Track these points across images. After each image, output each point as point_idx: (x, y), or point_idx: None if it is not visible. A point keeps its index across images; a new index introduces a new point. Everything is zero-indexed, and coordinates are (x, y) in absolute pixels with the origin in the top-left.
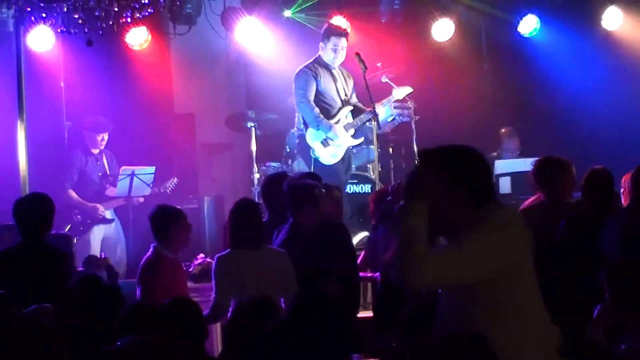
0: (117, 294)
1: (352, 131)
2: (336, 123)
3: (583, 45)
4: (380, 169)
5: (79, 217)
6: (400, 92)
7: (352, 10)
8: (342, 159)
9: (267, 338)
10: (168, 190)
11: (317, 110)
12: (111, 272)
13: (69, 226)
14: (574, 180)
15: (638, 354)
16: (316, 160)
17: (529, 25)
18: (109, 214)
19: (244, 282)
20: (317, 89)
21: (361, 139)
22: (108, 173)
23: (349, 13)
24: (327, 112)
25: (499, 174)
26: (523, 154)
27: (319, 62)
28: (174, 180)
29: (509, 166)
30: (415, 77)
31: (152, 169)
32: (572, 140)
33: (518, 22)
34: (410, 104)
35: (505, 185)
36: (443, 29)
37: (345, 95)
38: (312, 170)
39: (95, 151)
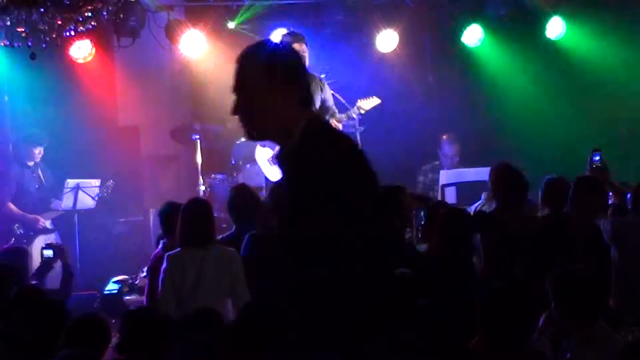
0: (56, 307)
1: None
2: None
3: (527, 55)
4: None
5: (20, 230)
6: (368, 103)
7: (296, 21)
8: None
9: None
10: (106, 194)
11: None
12: (67, 271)
13: (13, 239)
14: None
15: None
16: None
17: (473, 36)
18: (48, 224)
19: (186, 280)
20: None
21: None
22: (45, 184)
23: (293, 24)
24: None
25: (444, 184)
26: (463, 163)
27: None
28: (111, 184)
29: (454, 176)
30: (360, 88)
31: (97, 182)
32: (515, 148)
33: (462, 33)
34: (353, 114)
35: (450, 195)
36: (387, 40)
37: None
38: (264, 185)
39: (31, 163)
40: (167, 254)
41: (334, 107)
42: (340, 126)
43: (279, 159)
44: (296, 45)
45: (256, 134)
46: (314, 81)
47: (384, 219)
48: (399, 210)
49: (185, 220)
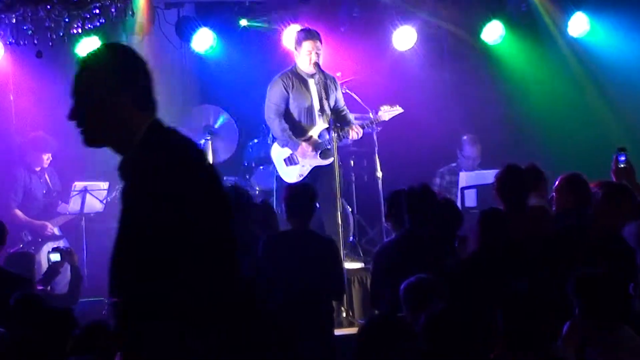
0: (59, 315)
1: (327, 152)
2: (307, 140)
3: (549, 52)
4: (340, 182)
5: (29, 237)
6: (390, 112)
7: (310, 19)
8: (306, 179)
9: None
10: (117, 199)
11: (285, 126)
12: (76, 274)
13: (21, 246)
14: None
15: None
16: (278, 177)
17: (493, 33)
18: (56, 231)
19: None
20: (288, 103)
21: (330, 160)
22: (52, 189)
23: (305, 21)
24: (299, 128)
25: (464, 186)
26: (484, 164)
27: (294, 72)
28: (119, 187)
29: (475, 178)
30: (376, 87)
31: (105, 185)
32: (538, 149)
33: (481, 30)
34: (371, 114)
35: (470, 198)
36: (404, 38)
37: (324, 107)
38: (274, 187)
39: (38, 168)
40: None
41: (346, 108)
42: (360, 133)
43: (118, 168)
44: (310, 43)
45: (93, 140)
46: (328, 80)
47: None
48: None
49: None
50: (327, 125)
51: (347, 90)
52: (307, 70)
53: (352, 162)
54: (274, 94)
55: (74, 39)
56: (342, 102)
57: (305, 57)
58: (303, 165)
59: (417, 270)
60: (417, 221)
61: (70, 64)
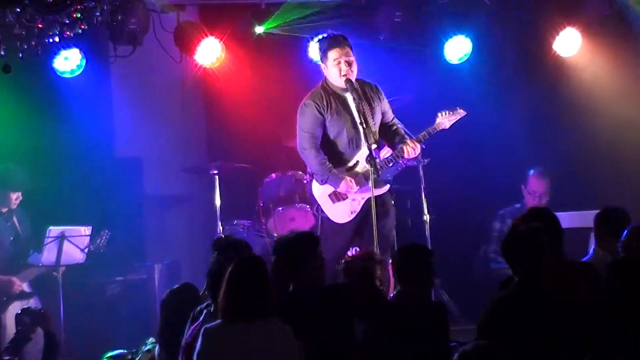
0: None
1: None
2: (351, 169)
3: (634, 65)
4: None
5: None
6: (449, 119)
7: (343, 25)
8: (359, 215)
9: None
10: (101, 249)
11: (322, 157)
12: (51, 341)
13: None
14: None
15: None
16: (325, 219)
17: (568, 42)
18: (25, 287)
19: None
20: (325, 128)
21: (386, 187)
22: (21, 235)
23: (337, 30)
24: (341, 156)
25: None
26: (554, 205)
27: (326, 88)
28: (106, 234)
29: None
30: (424, 107)
31: (87, 230)
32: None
33: (553, 40)
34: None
35: None
36: (459, 47)
37: (369, 125)
38: (319, 231)
39: (5, 210)
40: (204, 326)
41: (397, 121)
42: (418, 148)
43: None
44: (336, 51)
45: None
46: (369, 90)
47: None
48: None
49: (230, 285)
50: (375, 146)
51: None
52: (340, 85)
53: (392, 202)
54: (307, 119)
55: (50, 50)
56: (390, 114)
57: (334, 69)
58: (354, 200)
59: None
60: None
61: (45, 80)
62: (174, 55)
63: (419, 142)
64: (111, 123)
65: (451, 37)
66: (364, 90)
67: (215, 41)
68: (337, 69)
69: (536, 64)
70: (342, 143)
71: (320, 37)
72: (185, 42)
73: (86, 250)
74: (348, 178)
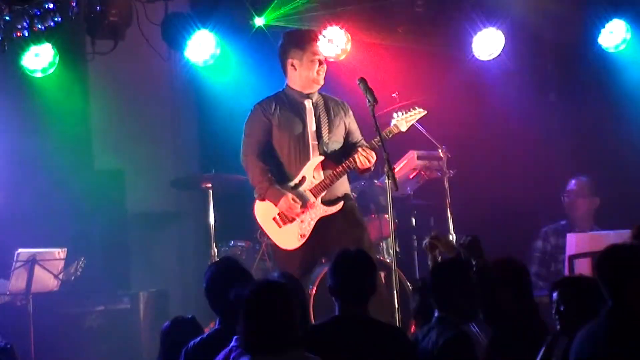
0: None
1: (333, 193)
2: (297, 186)
3: None
4: (398, 249)
5: None
6: (406, 119)
7: (354, 16)
8: (310, 239)
9: None
10: (72, 277)
11: (261, 165)
12: None
13: None
14: None
15: None
16: (270, 245)
17: (615, 35)
18: None
19: None
20: (271, 134)
21: (339, 205)
22: None
23: (349, 20)
24: (287, 168)
25: (573, 254)
26: (603, 222)
27: (280, 94)
28: (81, 262)
29: (589, 242)
30: (449, 112)
31: (61, 252)
32: None
33: (599, 31)
34: (441, 152)
35: (583, 270)
36: (489, 42)
37: (322, 135)
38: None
39: None
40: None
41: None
42: (372, 155)
43: None
44: (317, 46)
45: None
46: (332, 103)
47: None
48: None
49: (250, 315)
50: (321, 159)
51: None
52: (303, 88)
53: (413, 219)
54: (250, 123)
55: (18, 46)
56: (358, 135)
57: (310, 67)
58: (302, 221)
59: None
60: None
61: (13, 80)
62: (162, 52)
63: (373, 148)
64: (89, 129)
65: (480, 30)
66: (326, 102)
67: (209, 35)
68: (315, 67)
69: (579, 59)
70: (287, 155)
71: (289, 30)
72: (174, 36)
73: (60, 276)
74: (290, 195)
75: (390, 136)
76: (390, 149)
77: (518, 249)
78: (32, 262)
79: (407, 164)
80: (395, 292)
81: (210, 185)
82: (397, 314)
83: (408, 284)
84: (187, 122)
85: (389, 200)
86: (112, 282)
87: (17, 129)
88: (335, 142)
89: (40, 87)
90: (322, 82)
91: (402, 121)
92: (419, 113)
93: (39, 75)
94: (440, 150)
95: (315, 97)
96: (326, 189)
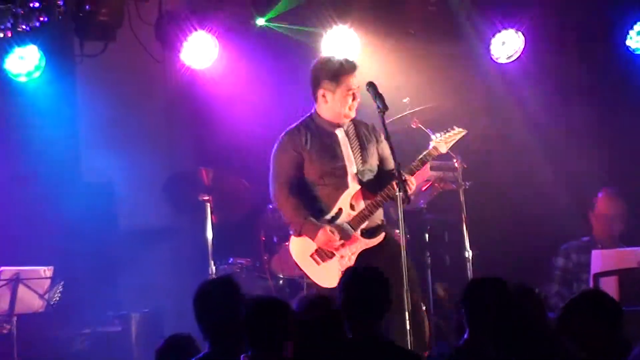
0: None
1: (374, 225)
2: (334, 219)
3: None
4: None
5: None
6: (446, 141)
7: (362, 16)
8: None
9: None
10: (52, 301)
11: (296, 202)
12: None
13: None
14: None
15: None
16: (311, 285)
17: None
18: None
19: None
20: (302, 168)
21: (380, 237)
22: None
23: (356, 21)
24: (320, 204)
25: (599, 272)
26: (629, 238)
27: (309, 124)
28: (59, 286)
29: (616, 259)
30: (464, 119)
31: (47, 270)
32: None
33: (627, 33)
34: (456, 162)
35: (609, 288)
36: (508, 44)
37: (358, 167)
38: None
39: None
40: None
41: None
42: (412, 184)
43: None
44: (353, 77)
45: None
46: (363, 128)
47: None
48: None
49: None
50: (357, 188)
51: (420, 125)
52: (333, 119)
53: (426, 235)
54: (279, 157)
55: (1, 47)
56: (391, 161)
57: (343, 103)
58: (342, 257)
59: None
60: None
61: None
62: (155, 54)
63: (411, 174)
64: (77, 137)
65: (499, 31)
66: (357, 128)
67: (207, 36)
68: (348, 101)
69: (605, 62)
70: (321, 187)
71: (325, 57)
72: (169, 37)
73: (46, 296)
74: (328, 227)
75: (429, 159)
76: (401, 158)
77: (538, 267)
78: (15, 281)
79: (420, 175)
80: (407, 314)
81: (207, 197)
82: (409, 336)
83: (422, 305)
84: (183, 129)
85: (400, 214)
86: (101, 303)
87: None
88: (369, 171)
89: (25, 92)
90: (353, 116)
91: (442, 142)
92: (459, 133)
93: (23, 79)
94: (455, 160)
95: (347, 125)
96: (366, 219)
